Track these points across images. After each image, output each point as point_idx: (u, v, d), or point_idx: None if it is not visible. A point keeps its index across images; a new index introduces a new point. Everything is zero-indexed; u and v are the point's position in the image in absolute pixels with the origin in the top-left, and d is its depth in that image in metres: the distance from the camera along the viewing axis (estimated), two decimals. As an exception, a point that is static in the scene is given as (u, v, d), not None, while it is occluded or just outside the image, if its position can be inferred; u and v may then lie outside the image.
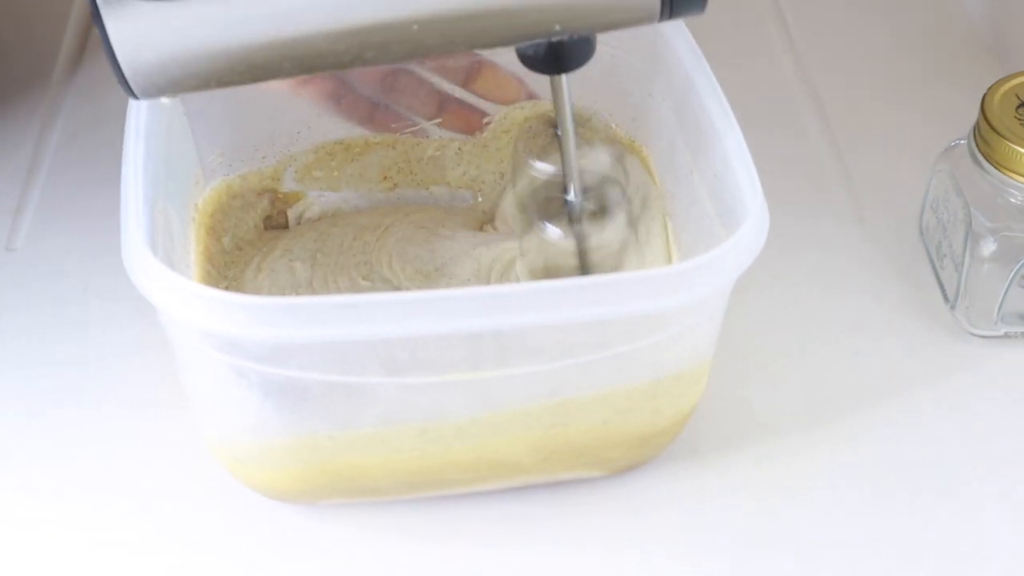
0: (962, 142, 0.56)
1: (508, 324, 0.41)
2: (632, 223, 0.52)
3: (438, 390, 0.44)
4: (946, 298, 0.57)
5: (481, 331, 0.42)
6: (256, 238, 0.56)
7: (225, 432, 0.47)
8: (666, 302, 0.42)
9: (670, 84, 0.52)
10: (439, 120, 0.58)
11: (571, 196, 0.48)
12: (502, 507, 0.50)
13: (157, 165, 0.47)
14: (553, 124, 0.48)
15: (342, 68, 0.42)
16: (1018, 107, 0.53)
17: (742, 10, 0.76)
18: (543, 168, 0.50)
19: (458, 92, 0.58)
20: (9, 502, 0.50)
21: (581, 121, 0.57)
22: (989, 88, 0.54)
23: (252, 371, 0.43)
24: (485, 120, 0.58)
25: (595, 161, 0.50)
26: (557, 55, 0.43)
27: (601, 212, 0.49)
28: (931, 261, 0.59)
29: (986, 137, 0.53)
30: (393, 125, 0.58)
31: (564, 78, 0.45)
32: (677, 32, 0.52)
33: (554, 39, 0.42)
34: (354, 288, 0.53)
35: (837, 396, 0.54)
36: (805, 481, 0.51)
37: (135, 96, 0.40)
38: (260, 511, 0.49)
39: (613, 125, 0.58)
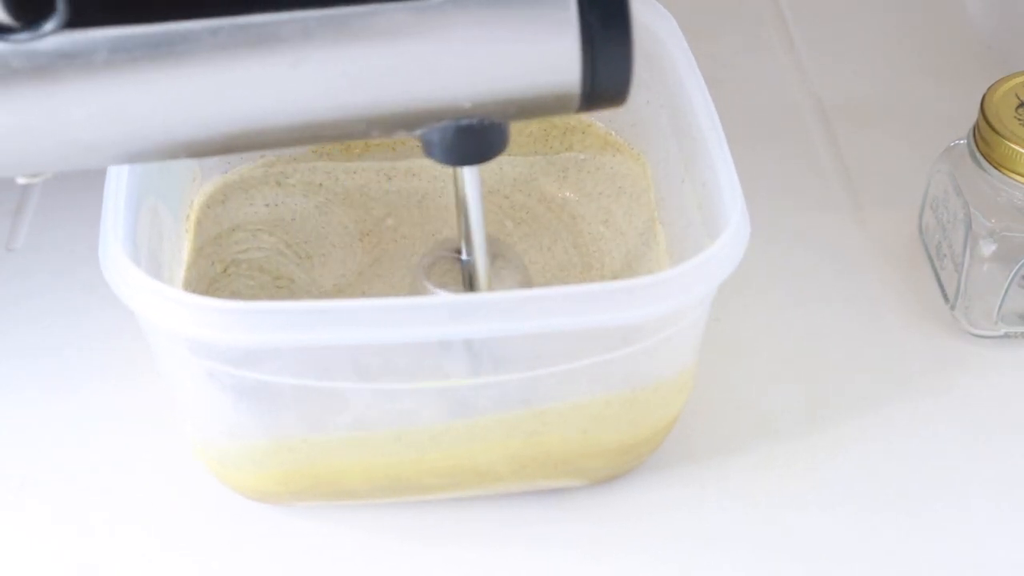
0: (962, 142, 0.56)
1: (480, 333, 0.41)
2: None
3: (411, 397, 0.44)
4: (946, 298, 0.57)
5: (453, 339, 0.42)
6: None
7: (203, 433, 0.47)
8: (640, 313, 0.41)
9: (666, 91, 0.52)
10: None
11: None
12: (481, 513, 0.49)
13: (149, 163, 0.47)
14: (456, 249, 0.46)
15: (231, 152, 0.39)
16: (1018, 107, 0.53)
17: (742, 10, 0.76)
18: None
19: None
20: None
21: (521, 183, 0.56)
22: (989, 88, 0.54)
23: (224, 374, 0.42)
24: None
25: (503, 282, 0.48)
26: (467, 141, 0.39)
27: None
28: (931, 261, 0.59)
29: (986, 137, 0.53)
30: None
31: (475, 172, 0.42)
32: (673, 38, 0.52)
33: (463, 123, 0.38)
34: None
35: (836, 396, 0.54)
36: (802, 483, 0.51)
37: None
38: (242, 512, 0.49)
39: (612, 132, 0.58)
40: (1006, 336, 0.56)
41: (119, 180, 0.44)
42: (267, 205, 0.56)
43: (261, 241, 0.54)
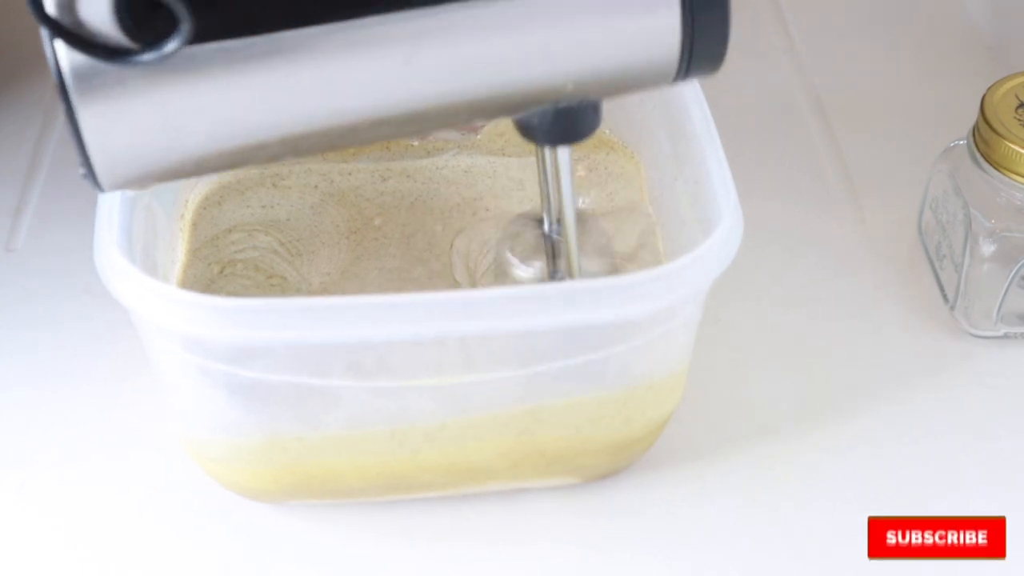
0: (962, 142, 0.56)
1: (473, 330, 0.41)
2: None
3: (405, 394, 0.44)
4: (946, 298, 0.57)
5: (447, 336, 0.42)
6: None
7: (195, 430, 0.47)
8: (631, 311, 0.41)
9: (659, 90, 0.52)
10: None
11: None
12: (476, 511, 0.49)
13: None
14: (539, 220, 0.47)
15: (333, 150, 0.40)
16: (1018, 107, 0.53)
17: (742, 10, 0.76)
18: (529, 276, 0.49)
19: None
20: None
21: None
22: (989, 88, 0.54)
23: (217, 371, 0.42)
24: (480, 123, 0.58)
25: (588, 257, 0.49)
26: (565, 123, 0.40)
27: None
28: (931, 261, 0.59)
29: (986, 137, 0.53)
30: None
31: (568, 151, 0.43)
32: None
33: (561, 105, 0.40)
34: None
35: (835, 396, 0.54)
36: (802, 483, 0.51)
37: (101, 190, 0.37)
38: (235, 510, 0.49)
39: (607, 131, 0.58)
40: (1006, 336, 0.56)
41: None
42: (263, 206, 0.56)
43: (257, 240, 0.54)
